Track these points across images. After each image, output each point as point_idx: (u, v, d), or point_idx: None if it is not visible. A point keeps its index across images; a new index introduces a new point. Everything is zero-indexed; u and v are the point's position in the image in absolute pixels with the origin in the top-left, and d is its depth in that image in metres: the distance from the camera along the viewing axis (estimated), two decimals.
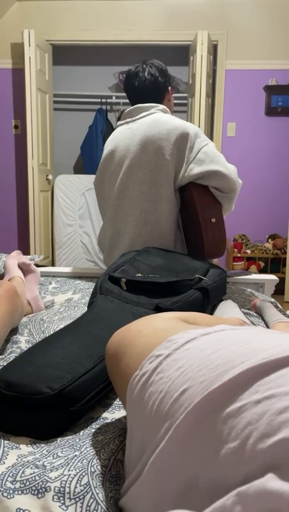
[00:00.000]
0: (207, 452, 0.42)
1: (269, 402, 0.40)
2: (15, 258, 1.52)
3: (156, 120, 1.61)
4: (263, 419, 0.39)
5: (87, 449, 0.65)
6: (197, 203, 1.57)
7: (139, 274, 1.30)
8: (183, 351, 0.53)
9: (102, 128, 4.27)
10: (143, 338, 0.62)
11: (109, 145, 1.73)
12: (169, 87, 1.77)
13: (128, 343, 0.64)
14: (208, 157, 1.56)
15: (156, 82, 1.71)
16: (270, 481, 0.34)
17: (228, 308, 1.30)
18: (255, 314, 1.43)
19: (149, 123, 1.61)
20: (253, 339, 0.51)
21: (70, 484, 0.57)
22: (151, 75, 1.70)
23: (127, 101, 1.80)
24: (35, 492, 0.56)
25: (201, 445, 0.43)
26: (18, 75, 3.83)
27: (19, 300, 1.15)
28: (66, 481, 0.57)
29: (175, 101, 3.96)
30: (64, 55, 4.31)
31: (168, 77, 1.76)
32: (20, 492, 0.56)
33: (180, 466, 0.44)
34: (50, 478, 0.58)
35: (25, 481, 0.58)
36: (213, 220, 1.59)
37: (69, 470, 0.60)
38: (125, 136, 1.67)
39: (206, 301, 1.26)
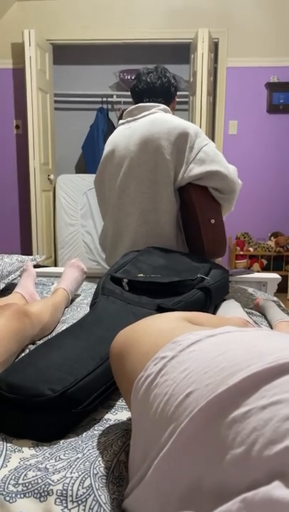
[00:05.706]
0: (212, 457, 0.41)
1: (275, 408, 0.39)
2: (73, 266, 1.54)
3: (156, 119, 1.59)
4: (269, 426, 0.38)
5: (90, 451, 0.65)
6: (196, 204, 1.56)
7: (141, 275, 1.29)
8: (188, 353, 0.53)
9: (103, 127, 4.26)
10: (148, 338, 0.62)
11: (109, 144, 1.72)
12: (175, 97, 1.79)
13: (133, 342, 0.64)
14: (209, 157, 1.54)
15: (170, 84, 1.73)
16: (277, 489, 0.34)
17: (230, 308, 1.29)
18: (258, 313, 1.42)
19: (149, 122, 1.60)
20: (260, 342, 0.50)
21: (72, 487, 0.56)
22: (166, 77, 1.72)
23: (128, 100, 1.80)
24: (38, 495, 0.56)
25: (206, 449, 0.42)
26: (18, 74, 3.82)
27: (28, 319, 1.11)
28: (68, 484, 0.57)
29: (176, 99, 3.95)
30: (64, 54, 4.30)
31: (177, 88, 1.77)
32: (22, 495, 0.56)
33: (184, 470, 0.44)
34: (53, 481, 0.57)
35: (27, 484, 0.57)
36: (213, 221, 1.58)
37: (71, 472, 0.59)
38: (125, 135, 1.66)
39: (209, 301, 1.25)
